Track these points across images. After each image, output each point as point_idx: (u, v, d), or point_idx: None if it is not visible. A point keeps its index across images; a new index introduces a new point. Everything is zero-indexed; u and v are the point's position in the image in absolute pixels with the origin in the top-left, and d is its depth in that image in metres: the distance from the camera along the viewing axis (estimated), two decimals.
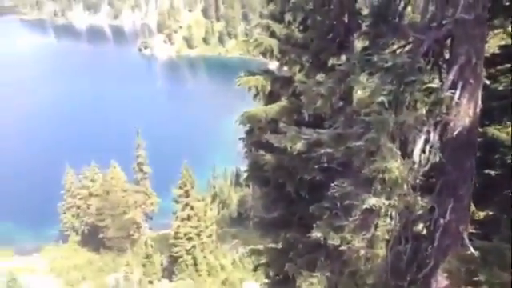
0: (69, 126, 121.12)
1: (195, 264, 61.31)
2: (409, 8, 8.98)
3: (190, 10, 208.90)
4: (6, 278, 63.06)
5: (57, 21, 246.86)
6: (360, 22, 9.94)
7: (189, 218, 60.97)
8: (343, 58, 10.19)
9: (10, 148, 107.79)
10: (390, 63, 7.10)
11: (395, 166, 6.95)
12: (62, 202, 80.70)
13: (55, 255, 74.65)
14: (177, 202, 62.39)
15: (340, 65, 9.55)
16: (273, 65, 14.21)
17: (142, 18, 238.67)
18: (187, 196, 61.34)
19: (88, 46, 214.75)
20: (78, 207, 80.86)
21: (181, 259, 60.72)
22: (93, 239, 77.49)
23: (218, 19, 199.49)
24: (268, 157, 11.06)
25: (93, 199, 77.33)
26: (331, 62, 10.43)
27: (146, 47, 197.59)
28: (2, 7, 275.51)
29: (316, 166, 9.25)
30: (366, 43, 9.74)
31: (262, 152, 11.69)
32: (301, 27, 11.31)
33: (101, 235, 74.90)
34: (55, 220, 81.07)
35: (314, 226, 8.23)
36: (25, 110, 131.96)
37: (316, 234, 8.12)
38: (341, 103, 8.68)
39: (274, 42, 11.32)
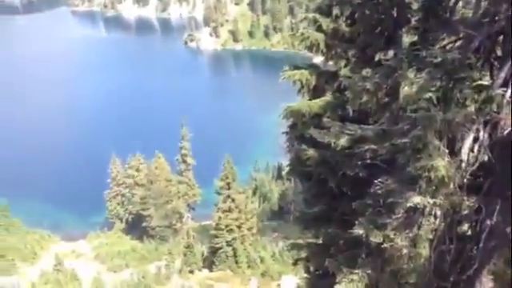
0: (116, 116, 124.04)
1: (235, 255, 61.79)
2: (460, 3, 8.75)
3: (236, 4, 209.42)
4: (52, 261, 65.36)
5: (106, 12, 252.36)
6: (409, 16, 9.74)
7: (230, 210, 61.39)
8: (391, 52, 10.02)
9: (58, 137, 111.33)
10: (439, 59, 6.95)
11: (442, 165, 6.82)
12: (107, 190, 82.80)
13: (100, 242, 76.63)
14: (218, 193, 62.89)
15: (387, 60, 9.40)
16: (318, 59, 14.11)
17: (190, 11, 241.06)
18: (229, 188, 61.75)
19: (136, 38, 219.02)
20: (123, 196, 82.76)
21: (221, 250, 61.31)
22: (136, 227, 79.20)
23: (263, 13, 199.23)
24: (311, 152, 11.01)
25: (137, 188, 78.90)
26: (378, 56, 10.27)
27: (191, 40, 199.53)
28: None
29: (359, 162, 9.15)
30: (415, 38, 9.56)
31: (304, 147, 11.66)
32: (348, 21, 11.17)
33: (144, 224, 76.41)
34: (101, 208, 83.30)
35: (356, 222, 8.17)
36: (73, 100, 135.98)
37: (358, 231, 8.06)
38: (387, 99, 8.54)
39: (320, 36, 11.24)
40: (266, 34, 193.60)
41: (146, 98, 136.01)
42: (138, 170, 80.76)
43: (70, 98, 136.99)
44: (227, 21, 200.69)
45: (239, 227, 62.14)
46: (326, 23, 11.30)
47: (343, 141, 8.75)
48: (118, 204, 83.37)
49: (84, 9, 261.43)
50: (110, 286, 58.34)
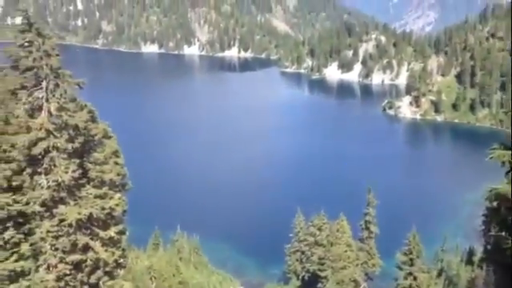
0: (307, 173, 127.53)
1: None
2: None
3: (442, 75, 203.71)
4: None
5: (312, 75, 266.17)
6: None
7: None
8: None
9: (251, 186, 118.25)
10: None
11: None
12: (288, 245, 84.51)
13: None
14: (400, 268, 59.64)
15: None
16: None
17: (392, 78, 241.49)
18: (412, 264, 58.25)
19: (335, 101, 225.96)
20: (303, 253, 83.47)
21: None
22: (311, 287, 78.90)
23: (472, 86, 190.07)
24: None
25: (317, 248, 78.97)
26: None
27: (390, 107, 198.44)
28: (268, 60, 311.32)
29: None
30: None
31: (505, 234, 10.63)
32: None
33: (319, 285, 75.76)
34: (281, 261, 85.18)
35: None
36: (270, 153, 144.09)
37: None
38: None
39: None
40: (472, 108, 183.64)
41: (338, 159, 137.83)
42: (320, 229, 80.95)
43: (267, 152, 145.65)
44: (430, 91, 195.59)
45: None
46: None
47: None
48: (297, 260, 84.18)
49: (292, 70, 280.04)
50: None
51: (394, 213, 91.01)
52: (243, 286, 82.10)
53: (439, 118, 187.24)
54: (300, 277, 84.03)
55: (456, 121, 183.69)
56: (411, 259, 58.63)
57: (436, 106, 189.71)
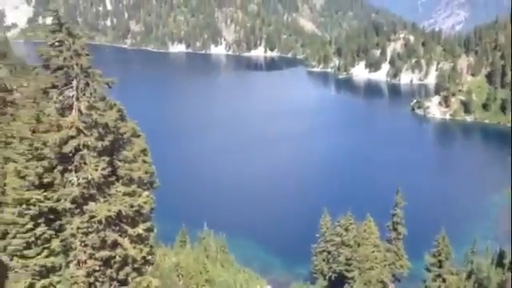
0: (334, 173, 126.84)
1: None
2: None
3: (472, 75, 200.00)
4: None
5: (339, 75, 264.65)
6: None
7: None
8: None
9: (280, 186, 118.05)
10: None
11: None
12: (315, 245, 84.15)
13: None
14: (429, 270, 58.98)
15: None
16: None
17: (421, 78, 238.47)
18: (440, 266, 57.57)
19: (363, 101, 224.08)
20: (329, 253, 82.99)
21: None
22: None
23: (502, 86, 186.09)
24: None
25: (344, 248, 78.38)
26: None
27: (419, 107, 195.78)
28: (295, 59, 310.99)
29: None
30: None
31: None
32: None
33: (346, 286, 75.21)
34: (307, 260, 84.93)
35: None
36: (297, 154, 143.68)
37: None
38: None
39: None
40: (503, 108, 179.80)
41: (366, 159, 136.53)
42: (346, 230, 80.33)
43: (294, 151, 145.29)
44: (460, 91, 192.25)
45: None
46: None
47: None
48: (324, 260, 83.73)
49: (319, 70, 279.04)
50: None
51: (422, 214, 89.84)
52: (270, 285, 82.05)
53: (469, 119, 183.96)
54: (327, 277, 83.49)
55: (486, 121, 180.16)
56: (440, 261, 57.81)
57: (466, 106, 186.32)
